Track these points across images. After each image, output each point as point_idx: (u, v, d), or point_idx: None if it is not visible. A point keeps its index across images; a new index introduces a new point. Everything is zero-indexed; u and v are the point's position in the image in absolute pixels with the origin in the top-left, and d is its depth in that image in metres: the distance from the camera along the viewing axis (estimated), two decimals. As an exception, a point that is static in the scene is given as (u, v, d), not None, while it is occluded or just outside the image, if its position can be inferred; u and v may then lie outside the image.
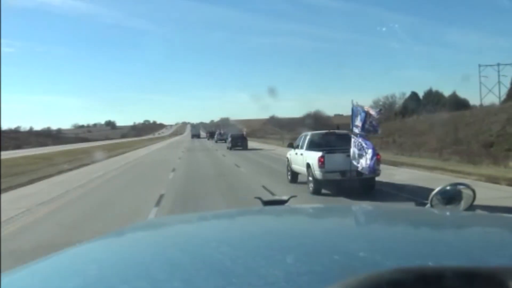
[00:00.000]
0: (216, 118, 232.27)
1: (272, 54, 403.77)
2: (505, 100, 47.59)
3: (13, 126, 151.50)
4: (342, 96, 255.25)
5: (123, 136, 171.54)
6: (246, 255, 1.24)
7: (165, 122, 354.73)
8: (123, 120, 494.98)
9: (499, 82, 62.91)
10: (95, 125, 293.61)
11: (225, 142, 54.51)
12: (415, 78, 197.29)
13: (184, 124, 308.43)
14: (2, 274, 1.20)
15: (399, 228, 1.76)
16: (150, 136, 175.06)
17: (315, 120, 71.74)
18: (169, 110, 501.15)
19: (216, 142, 67.35)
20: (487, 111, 36.97)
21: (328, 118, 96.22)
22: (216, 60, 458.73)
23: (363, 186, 12.97)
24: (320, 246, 1.32)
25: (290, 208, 2.40)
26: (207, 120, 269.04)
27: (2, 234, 9.16)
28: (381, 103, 73.61)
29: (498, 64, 63.97)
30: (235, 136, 46.83)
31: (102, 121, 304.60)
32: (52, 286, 1.15)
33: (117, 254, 1.49)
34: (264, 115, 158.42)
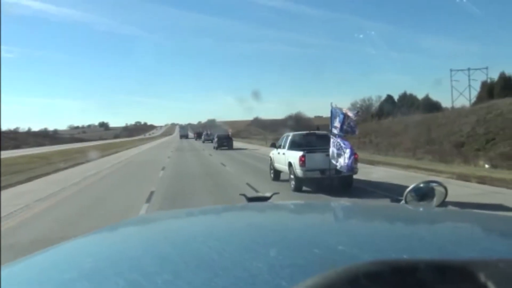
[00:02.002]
0: (203, 119, 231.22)
1: (256, 59, 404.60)
2: (475, 103, 48.16)
3: (12, 127, 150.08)
4: (322, 98, 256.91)
5: (116, 136, 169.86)
6: (231, 248, 1.23)
7: (156, 124, 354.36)
8: (116, 121, 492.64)
9: (469, 85, 63.97)
10: (89, 126, 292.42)
11: (212, 142, 54.17)
12: (390, 82, 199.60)
13: (173, 125, 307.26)
14: (2, 266, 1.20)
15: (376, 223, 1.76)
16: (141, 136, 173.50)
17: (297, 121, 71.33)
18: (159, 112, 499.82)
19: (203, 142, 66.87)
20: (458, 113, 37.37)
21: (308, 119, 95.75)
22: (204, 65, 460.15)
23: (341, 184, 12.96)
24: (301, 240, 1.32)
25: (273, 204, 2.39)
26: (195, 121, 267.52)
27: (2, 228, 9.10)
28: (358, 105, 73.99)
29: (469, 69, 65.06)
30: (221, 137, 46.40)
31: (96, 122, 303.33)
32: (50, 277, 1.13)
33: (110, 247, 1.48)
34: (248, 117, 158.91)
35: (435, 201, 2.13)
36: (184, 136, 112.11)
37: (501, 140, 25.84)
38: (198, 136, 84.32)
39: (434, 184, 2.20)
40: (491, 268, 0.62)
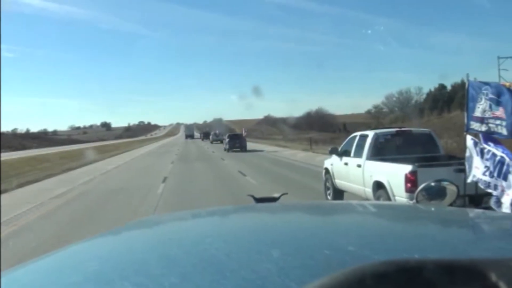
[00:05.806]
0: (208, 119, 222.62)
1: (261, 57, 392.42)
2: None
3: (10, 128, 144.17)
4: (328, 96, 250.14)
5: (117, 137, 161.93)
6: (240, 250, 1.19)
7: (159, 123, 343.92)
8: (119, 121, 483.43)
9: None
10: (91, 126, 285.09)
11: (221, 143, 49.38)
12: (397, 79, 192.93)
13: (178, 125, 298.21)
14: (6, 270, 1.16)
15: (387, 223, 1.69)
16: (143, 137, 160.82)
17: (319, 118, 63.96)
18: (163, 112, 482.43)
19: (211, 142, 61.45)
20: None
21: (332, 116, 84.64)
22: (208, 63, 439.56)
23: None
24: (311, 241, 1.26)
25: (281, 205, 2.26)
26: (200, 120, 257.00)
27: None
28: (394, 98, 68.45)
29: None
30: (233, 137, 40.34)
31: (98, 122, 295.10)
32: (54, 281, 1.09)
33: (116, 250, 1.40)
34: (254, 116, 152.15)
35: (447, 200, 2.07)
36: (189, 136, 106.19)
37: None
38: (205, 136, 78.87)
39: (445, 183, 2.13)
40: (503, 268, 0.59)
